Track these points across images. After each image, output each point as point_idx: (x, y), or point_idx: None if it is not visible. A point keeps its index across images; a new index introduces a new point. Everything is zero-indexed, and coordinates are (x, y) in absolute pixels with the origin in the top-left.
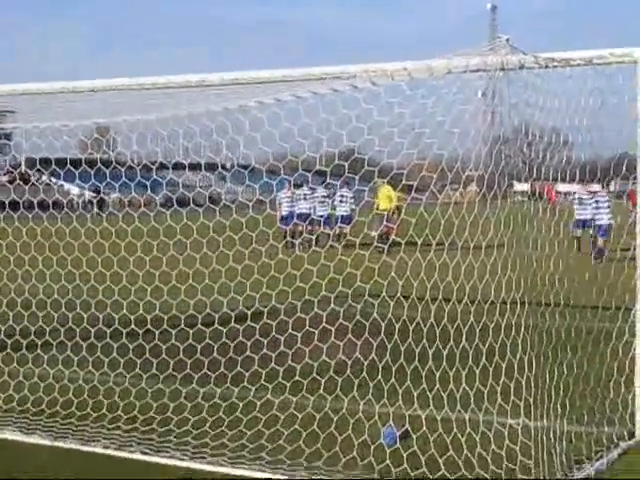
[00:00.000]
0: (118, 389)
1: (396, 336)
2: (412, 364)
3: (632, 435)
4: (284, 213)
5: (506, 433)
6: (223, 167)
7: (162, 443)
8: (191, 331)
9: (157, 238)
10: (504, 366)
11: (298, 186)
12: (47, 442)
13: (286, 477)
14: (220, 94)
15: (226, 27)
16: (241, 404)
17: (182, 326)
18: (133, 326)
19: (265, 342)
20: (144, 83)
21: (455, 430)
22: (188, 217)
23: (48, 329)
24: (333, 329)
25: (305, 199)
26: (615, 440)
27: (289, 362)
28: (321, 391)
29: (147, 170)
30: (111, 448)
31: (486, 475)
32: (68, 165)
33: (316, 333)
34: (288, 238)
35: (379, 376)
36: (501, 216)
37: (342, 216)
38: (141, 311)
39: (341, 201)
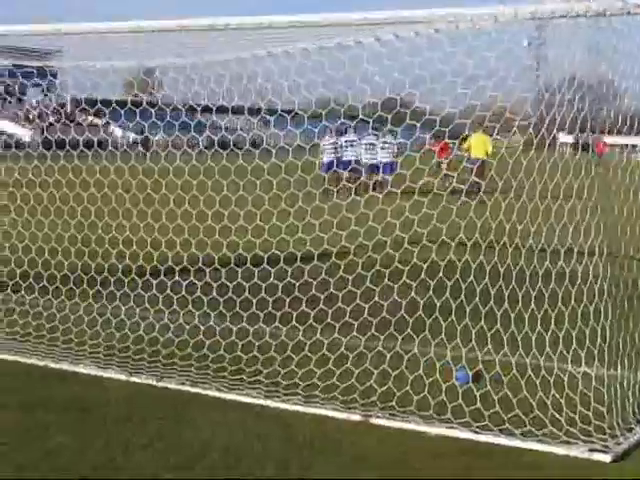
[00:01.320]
0: (187, 327)
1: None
2: (485, 307)
3: None
4: (326, 160)
5: (579, 380)
6: (267, 111)
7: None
8: (256, 270)
9: (197, 177)
10: (579, 312)
11: (341, 133)
12: (122, 377)
13: (359, 416)
14: (263, 39)
15: None
16: (308, 343)
17: (247, 265)
18: (199, 265)
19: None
20: (189, 25)
21: (531, 374)
22: (228, 159)
23: (120, 267)
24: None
25: (352, 146)
26: None
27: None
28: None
29: (192, 112)
30: (186, 384)
31: (560, 418)
32: (114, 105)
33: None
34: (327, 185)
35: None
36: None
37: (384, 163)
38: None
39: (383, 148)
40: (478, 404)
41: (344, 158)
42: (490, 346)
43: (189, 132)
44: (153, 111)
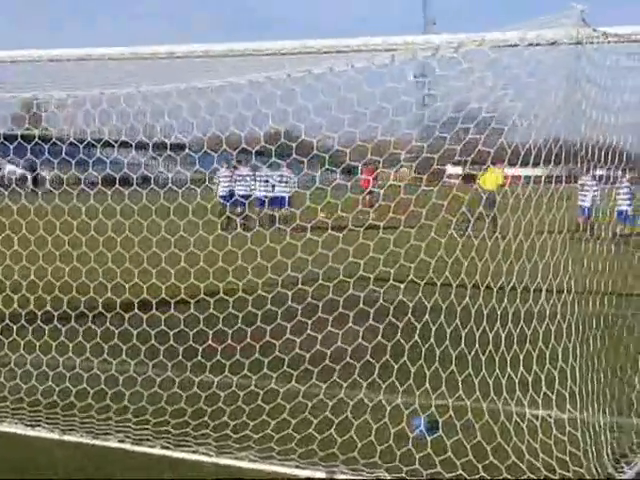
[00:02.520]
0: (121, 377)
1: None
2: (438, 349)
3: None
4: (222, 192)
5: (552, 424)
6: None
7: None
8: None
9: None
10: (548, 354)
11: (234, 166)
12: (54, 436)
13: (324, 474)
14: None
15: None
16: (261, 392)
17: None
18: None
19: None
20: (87, 54)
21: (504, 420)
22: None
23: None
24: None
25: (246, 180)
26: None
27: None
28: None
29: (90, 147)
30: (127, 442)
31: (538, 464)
32: (1, 139)
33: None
34: (226, 217)
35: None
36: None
37: (278, 197)
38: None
39: (280, 182)
40: (449, 453)
41: (239, 192)
42: (461, 392)
43: (87, 169)
44: (46, 147)
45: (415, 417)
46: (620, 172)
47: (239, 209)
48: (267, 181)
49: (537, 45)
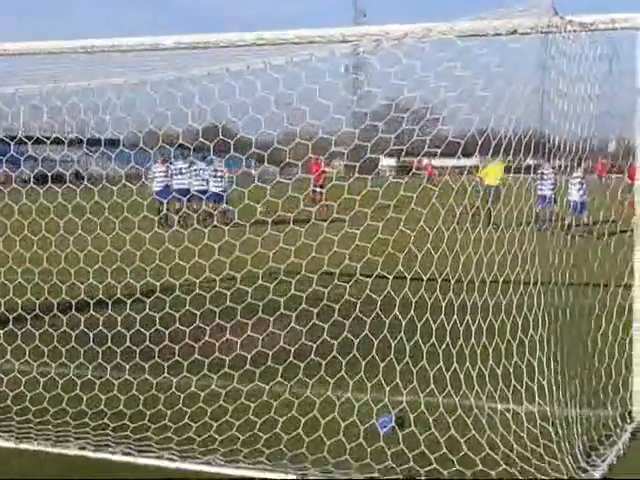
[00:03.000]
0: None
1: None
2: (422, 345)
3: (631, 417)
4: (157, 188)
5: (523, 418)
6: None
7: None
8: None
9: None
10: (515, 346)
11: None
12: (10, 444)
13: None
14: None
15: None
16: (223, 392)
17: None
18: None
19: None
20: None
21: (478, 414)
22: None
23: None
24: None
25: (182, 173)
26: (620, 423)
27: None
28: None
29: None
30: (88, 449)
31: (513, 456)
32: None
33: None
34: (164, 213)
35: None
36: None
37: (215, 193)
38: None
39: (215, 176)
40: (422, 448)
41: (175, 186)
42: (433, 387)
43: (18, 167)
44: None
45: (384, 414)
46: (575, 163)
47: (177, 205)
48: (198, 175)
49: (511, 34)
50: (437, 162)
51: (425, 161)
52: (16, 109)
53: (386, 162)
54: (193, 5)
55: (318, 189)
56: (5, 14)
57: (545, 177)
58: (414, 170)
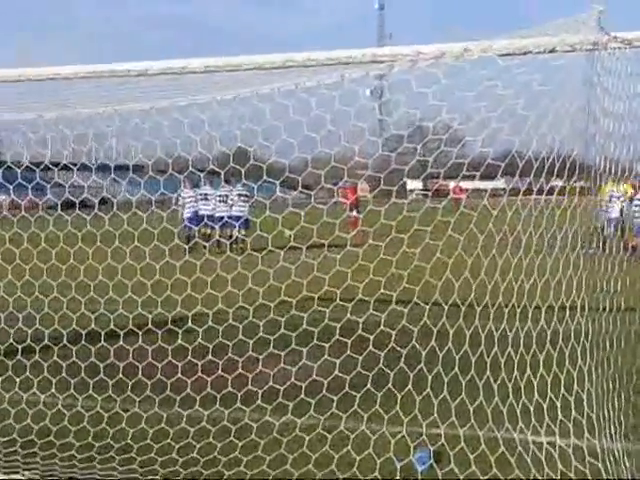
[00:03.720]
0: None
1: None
2: (451, 375)
3: None
4: (188, 214)
5: (571, 454)
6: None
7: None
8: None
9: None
10: (562, 378)
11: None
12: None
13: None
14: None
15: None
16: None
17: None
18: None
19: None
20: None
21: (520, 450)
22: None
23: None
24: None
25: (207, 199)
26: None
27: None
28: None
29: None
30: None
31: None
32: None
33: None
34: (196, 240)
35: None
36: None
37: (238, 217)
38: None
39: (239, 200)
40: None
41: (200, 212)
42: (473, 420)
43: (45, 193)
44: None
45: (421, 449)
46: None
47: (209, 231)
48: (225, 201)
49: (552, 52)
50: (467, 184)
51: (452, 184)
52: (41, 135)
53: (413, 185)
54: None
55: (354, 213)
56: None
57: (613, 199)
58: (449, 194)
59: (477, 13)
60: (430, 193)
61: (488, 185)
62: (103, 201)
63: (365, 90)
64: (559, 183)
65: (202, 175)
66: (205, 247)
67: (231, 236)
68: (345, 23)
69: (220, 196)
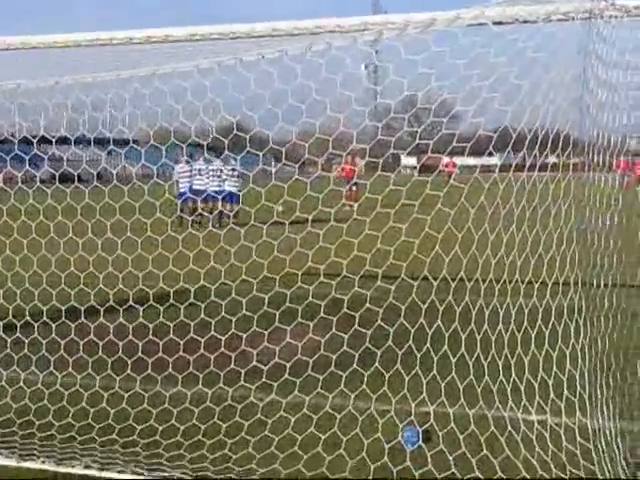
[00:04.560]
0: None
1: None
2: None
3: None
4: (182, 189)
5: (562, 433)
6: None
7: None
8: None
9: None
10: (554, 356)
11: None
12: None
13: None
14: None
15: None
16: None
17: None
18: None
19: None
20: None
21: (510, 429)
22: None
23: None
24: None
25: (200, 174)
26: None
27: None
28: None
29: (27, 144)
30: (93, 467)
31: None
32: None
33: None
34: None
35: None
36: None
37: (230, 193)
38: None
39: (232, 176)
40: (453, 469)
41: (195, 186)
42: (462, 399)
43: (24, 166)
44: None
45: (408, 428)
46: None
47: (191, 205)
48: (219, 175)
49: (549, 21)
50: (458, 160)
51: (446, 159)
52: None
53: (407, 161)
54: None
55: (352, 187)
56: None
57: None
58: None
59: None
60: (418, 166)
61: (480, 161)
62: (99, 176)
63: (360, 66)
64: (553, 159)
65: (184, 147)
66: (193, 221)
67: (221, 212)
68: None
69: (213, 171)
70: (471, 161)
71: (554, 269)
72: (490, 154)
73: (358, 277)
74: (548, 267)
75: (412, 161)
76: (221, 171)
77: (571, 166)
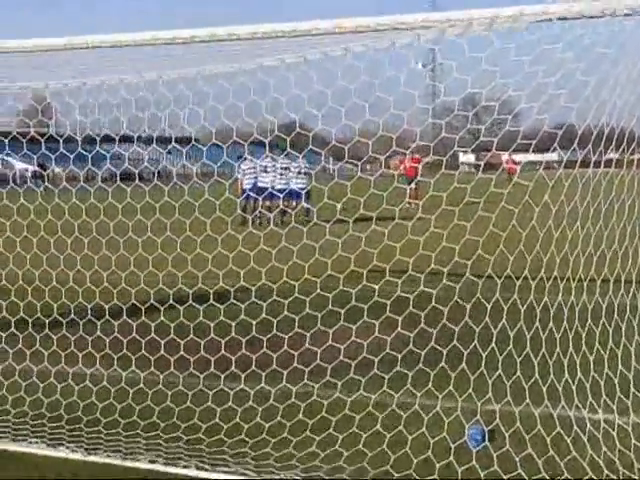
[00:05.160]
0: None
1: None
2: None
3: None
4: (247, 186)
5: (631, 433)
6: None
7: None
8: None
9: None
10: (619, 354)
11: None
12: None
13: None
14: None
15: None
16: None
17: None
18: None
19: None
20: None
21: (576, 429)
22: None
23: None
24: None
25: (266, 171)
26: None
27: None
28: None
29: (89, 142)
30: (159, 462)
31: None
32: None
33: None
34: (239, 212)
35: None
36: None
37: (298, 190)
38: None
39: (299, 172)
40: (519, 470)
41: (259, 184)
42: (528, 398)
43: (86, 164)
44: (42, 142)
45: (474, 427)
46: None
47: (253, 203)
48: (286, 173)
49: (612, 16)
50: (520, 157)
51: (505, 156)
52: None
53: (465, 158)
54: None
55: (413, 185)
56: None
57: None
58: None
59: None
60: (482, 165)
61: (542, 158)
62: (158, 174)
63: (417, 62)
64: (616, 155)
65: (246, 145)
66: (254, 219)
67: (284, 210)
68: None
69: (281, 168)
70: (531, 157)
71: (616, 265)
72: (553, 150)
73: (423, 275)
74: (610, 263)
75: (471, 158)
76: (288, 169)
77: (635, 162)
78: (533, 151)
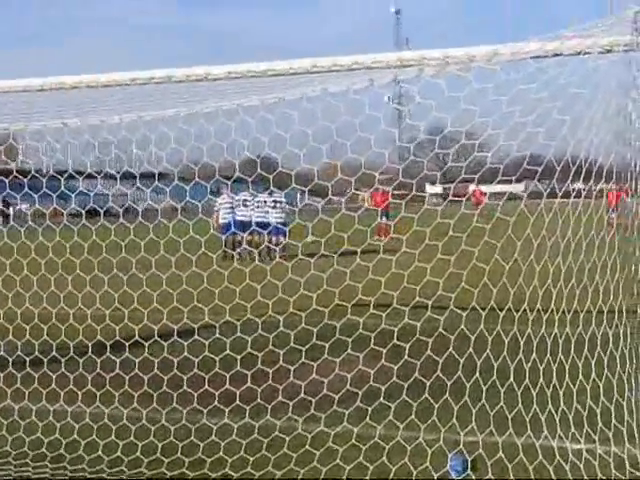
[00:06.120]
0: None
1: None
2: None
3: None
4: (225, 220)
5: (611, 463)
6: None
7: None
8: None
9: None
10: (601, 385)
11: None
12: None
13: None
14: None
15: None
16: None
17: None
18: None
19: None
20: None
21: (558, 458)
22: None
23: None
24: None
25: (245, 205)
26: None
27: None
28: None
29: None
30: None
31: None
32: None
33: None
34: (225, 248)
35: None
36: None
37: (277, 224)
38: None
39: (274, 207)
40: None
41: (237, 218)
42: (511, 428)
43: (69, 203)
44: (6, 181)
45: (456, 457)
46: None
47: (237, 238)
48: (262, 207)
49: (585, 54)
50: (486, 188)
51: (472, 187)
52: (64, 143)
53: (431, 189)
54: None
55: (384, 220)
56: None
57: None
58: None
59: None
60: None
61: (507, 189)
62: (127, 210)
63: (384, 97)
64: (580, 185)
65: (229, 183)
66: (239, 255)
67: (268, 246)
68: (360, 29)
69: (258, 202)
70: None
71: (597, 297)
72: (518, 181)
73: (408, 308)
74: (592, 295)
75: (437, 189)
76: (265, 202)
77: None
78: (501, 182)
